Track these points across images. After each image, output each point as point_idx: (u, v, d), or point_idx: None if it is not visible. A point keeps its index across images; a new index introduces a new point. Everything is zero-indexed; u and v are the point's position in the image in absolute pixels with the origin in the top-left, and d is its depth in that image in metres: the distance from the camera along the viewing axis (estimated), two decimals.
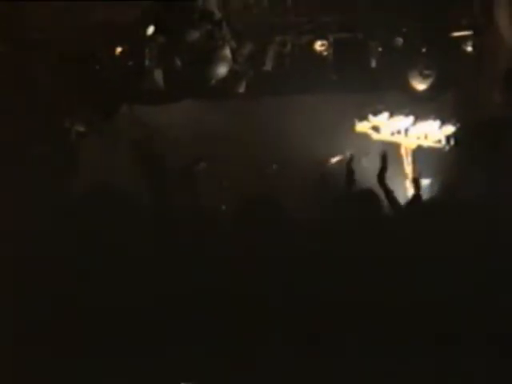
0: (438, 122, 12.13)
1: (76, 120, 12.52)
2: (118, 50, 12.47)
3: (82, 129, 12.54)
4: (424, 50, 12.52)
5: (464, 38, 12.45)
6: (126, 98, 12.80)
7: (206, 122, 13.05)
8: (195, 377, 4.36)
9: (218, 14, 12.04)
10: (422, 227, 5.71)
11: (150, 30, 11.83)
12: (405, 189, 11.80)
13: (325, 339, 4.44)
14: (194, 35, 11.77)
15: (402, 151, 12.14)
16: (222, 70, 12.14)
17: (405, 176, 12.00)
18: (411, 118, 12.11)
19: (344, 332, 4.43)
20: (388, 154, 11.19)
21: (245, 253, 4.76)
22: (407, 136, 12.18)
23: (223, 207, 9.72)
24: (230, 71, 12.27)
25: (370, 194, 5.92)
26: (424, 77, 12.44)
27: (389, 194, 7.76)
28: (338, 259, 4.79)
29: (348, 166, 9.47)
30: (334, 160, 12.49)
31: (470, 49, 12.41)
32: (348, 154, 10.95)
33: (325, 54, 12.46)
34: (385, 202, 8.03)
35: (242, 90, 12.60)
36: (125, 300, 4.44)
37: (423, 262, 4.72)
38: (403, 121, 12.12)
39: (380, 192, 9.48)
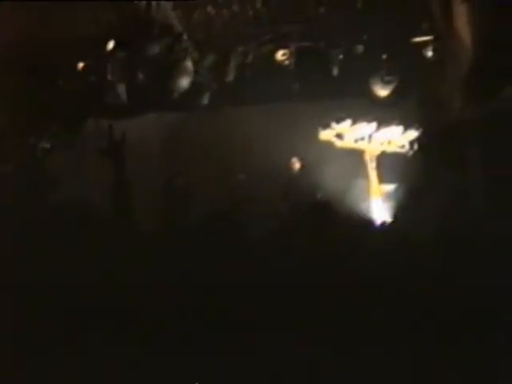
0: (400, 128, 12.16)
1: (41, 136, 12.48)
2: (80, 65, 12.48)
3: (47, 145, 12.50)
4: (385, 56, 12.54)
5: (424, 43, 12.49)
6: (90, 113, 12.77)
7: (170, 134, 13.08)
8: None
9: (178, 27, 12.06)
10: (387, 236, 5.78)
11: (111, 44, 11.84)
12: (369, 195, 11.89)
13: None
14: (155, 49, 11.79)
15: (366, 157, 12.15)
16: (185, 82, 12.15)
17: (369, 182, 12.05)
18: (374, 124, 12.13)
19: None
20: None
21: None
22: (371, 142, 12.20)
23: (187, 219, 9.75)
24: (193, 83, 12.28)
25: (331, 203, 5.97)
26: (386, 83, 12.47)
27: None
28: (297, 270, 4.85)
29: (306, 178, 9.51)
30: (297, 168, 12.58)
31: (430, 53, 12.44)
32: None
33: (286, 63, 12.49)
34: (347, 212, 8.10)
35: (205, 101, 12.61)
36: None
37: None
38: (366, 127, 12.14)
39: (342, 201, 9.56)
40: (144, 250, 5.09)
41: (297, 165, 12.60)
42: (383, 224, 7.29)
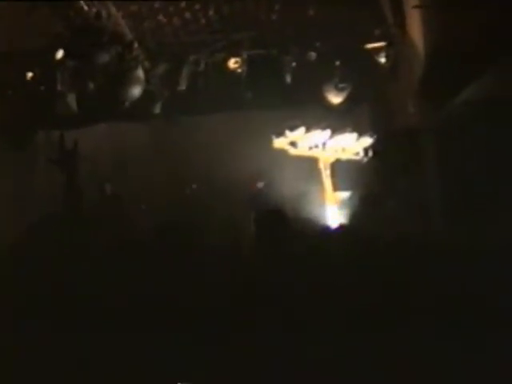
0: (354, 135, 12.17)
1: None
2: (29, 75, 12.28)
3: None
4: (338, 63, 12.46)
5: (377, 50, 12.42)
6: (40, 124, 12.60)
7: (123, 143, 12.95)
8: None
9: (128, 36, 11.89)
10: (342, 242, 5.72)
11: (60, 54, 11.63)
12: (324, 202, 11.85)
13: None
14: (105, 58, 11.59)
15: (321, 165, 12.15)
16: (136, 91, 11.97)
17: (324, 189, 12.03)
18: (328, 132, 12.13)
19: None
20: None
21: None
22: (325, 150, 12.20)
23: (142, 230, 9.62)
24: (144, 92, 12.12)
25: (285, 211, 5.91)
26: (339, 90, 12.42)
27: None
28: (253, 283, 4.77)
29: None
30: (258, 185, 12.53)
31: (383, 60, 12.38)
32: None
33: (239, 71, 12.37)
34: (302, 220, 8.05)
35: (157, 110, 12.48)
36: None
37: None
38: (320, 135, 12.14)
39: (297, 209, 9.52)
40: (94, 260, 5.00)
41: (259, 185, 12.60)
42: (339, 230, 7.26)
